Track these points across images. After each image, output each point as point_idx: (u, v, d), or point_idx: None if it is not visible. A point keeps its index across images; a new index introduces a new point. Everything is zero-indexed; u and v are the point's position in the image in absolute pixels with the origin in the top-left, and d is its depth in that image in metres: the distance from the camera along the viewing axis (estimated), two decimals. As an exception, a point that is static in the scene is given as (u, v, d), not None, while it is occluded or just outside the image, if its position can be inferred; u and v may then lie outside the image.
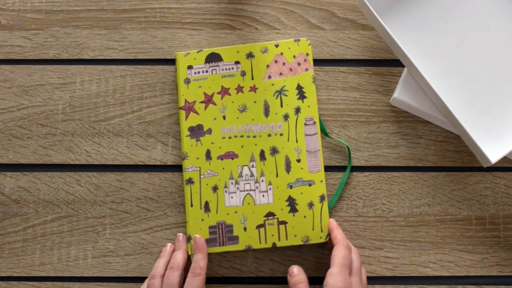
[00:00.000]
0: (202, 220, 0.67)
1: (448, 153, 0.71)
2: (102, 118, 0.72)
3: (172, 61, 0.73)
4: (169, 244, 0.69)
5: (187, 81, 0.70)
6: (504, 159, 0.71)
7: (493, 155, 0.67)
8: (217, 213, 0.68)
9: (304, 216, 0.67)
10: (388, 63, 0.73)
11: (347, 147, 0.70)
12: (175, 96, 0.72)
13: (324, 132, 0.70)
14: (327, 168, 0.71)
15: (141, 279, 0.69)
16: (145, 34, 0.73)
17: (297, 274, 0.64)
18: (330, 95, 0.72)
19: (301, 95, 0.69)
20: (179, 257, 0.66)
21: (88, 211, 0.70)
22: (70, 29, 0.73)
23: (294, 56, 0.70)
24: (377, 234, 0.70)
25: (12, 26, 0.73)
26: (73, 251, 0.69)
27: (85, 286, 0.69)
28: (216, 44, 0.73)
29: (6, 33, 0.73)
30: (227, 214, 0.68)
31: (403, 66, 0.73)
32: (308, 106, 0.69)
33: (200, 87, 0.69)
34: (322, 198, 0.68)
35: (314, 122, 0.69)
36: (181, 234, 0.68)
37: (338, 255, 0.61)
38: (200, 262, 0.65)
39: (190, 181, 0.68)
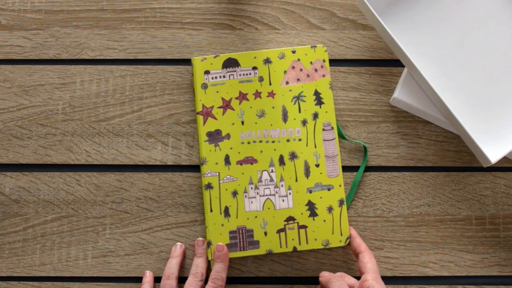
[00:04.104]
0: (222, 225, 0.67)
1: (448, 153, 0.71)
2: (102, 118, 0.72)
3: (172, 61, 0.73)
4: (179, 244, 0.68)
5: (204, 86, 0.69)
6: (504, 159, 0.71)
7: (493, 155, 0.67)
8: (237, 218, 0.68)
9: (324, 220, 0.68)
10: (388, 63, 0.73)
11: (364, 147, 0.70)
12: (175, 96, 0.72)
13: (341, 136, 0.70)
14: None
15: (141, 279, 0.69)
16: (145, 34, 0.73)
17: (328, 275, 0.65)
18: (330, 95, 0.72)
19: (319, 101, 0.69)
20: (202, 266, 0.66)
21: (88, 211, 0.70)
22: (70, 29, 0.73)
23: (311, 63, 0.70)
24: (377, 234, 0.70)
25: (12, 26, 0.73)
26: (73, 251, 0.69)
27: (85, 286, 0.69)
28: (216, 44, 0.73)
29: (6, 33, 0.73)
30: (247, 219, 0.68)
31: (403, 66, 0.73)
32: (326, 112, 0.69)
33: (217, 92, 0.69)
34: (341, 202, 0.68)
35: (332, 128, 0.69)
36: (201, 239, 0.68)
37: (372, 261, 0.64)
38: (221, 273, 0.65)
39: (209, 186, 0.68)
